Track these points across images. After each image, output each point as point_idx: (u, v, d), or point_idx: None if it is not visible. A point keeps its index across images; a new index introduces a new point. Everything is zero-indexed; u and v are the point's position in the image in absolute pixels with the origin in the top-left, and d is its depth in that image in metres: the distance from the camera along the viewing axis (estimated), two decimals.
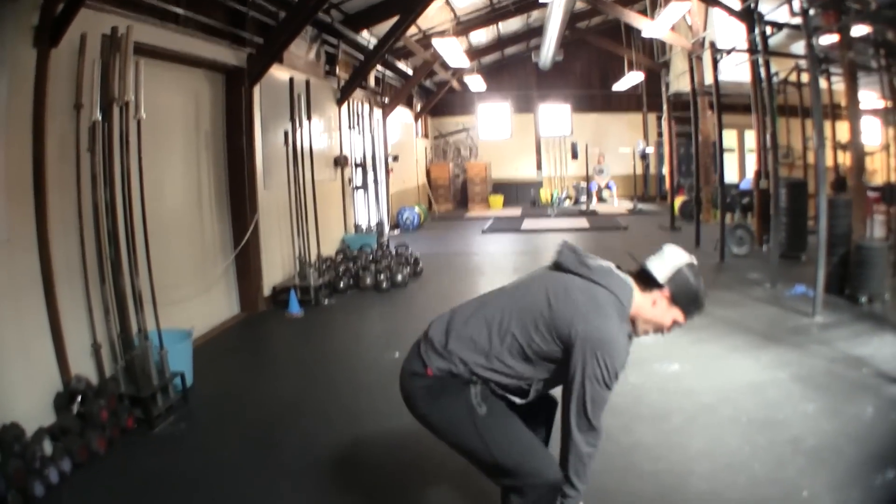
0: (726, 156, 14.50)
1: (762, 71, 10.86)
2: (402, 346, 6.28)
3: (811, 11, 7.82)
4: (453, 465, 3.84)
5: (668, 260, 2.86)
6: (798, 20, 8.05)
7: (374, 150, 14.47)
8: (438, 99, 21.37)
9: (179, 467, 4.37)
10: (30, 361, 4.50)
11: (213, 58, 7.35)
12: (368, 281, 9.64)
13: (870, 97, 11.20)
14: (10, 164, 4.45)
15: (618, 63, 20.81)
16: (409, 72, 16.12)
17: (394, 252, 11.45)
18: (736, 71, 11.90)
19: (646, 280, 2.87)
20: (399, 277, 9.86)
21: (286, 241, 8.84)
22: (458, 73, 18.61)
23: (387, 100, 15.68)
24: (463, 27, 15.65)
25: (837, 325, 7.19)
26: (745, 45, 10.91)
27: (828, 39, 9.62)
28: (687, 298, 2.85)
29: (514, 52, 22.71)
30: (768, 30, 10.30)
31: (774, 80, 11.41)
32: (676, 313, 2.89)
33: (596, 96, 23.47)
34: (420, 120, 21.09)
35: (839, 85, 10.70)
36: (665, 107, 18.37)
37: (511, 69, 23.65)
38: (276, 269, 8.80)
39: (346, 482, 4.25)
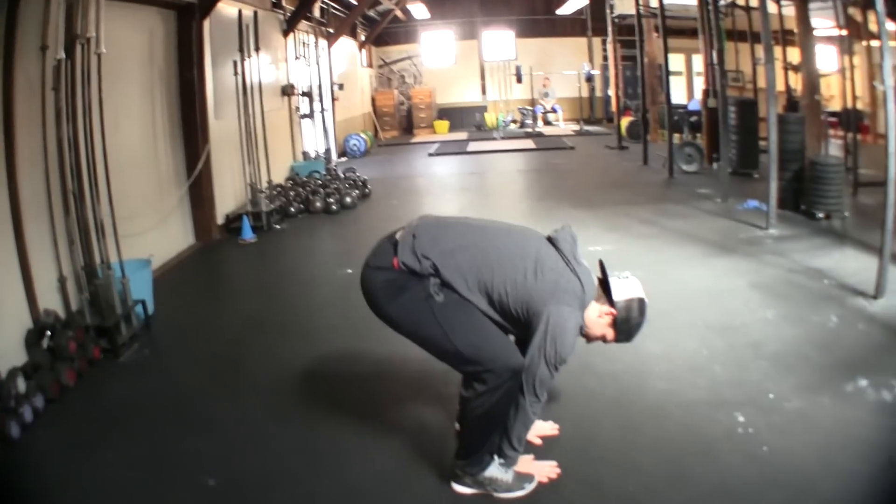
0: (673, 79, 14.26)
1: None
2: (353, 263, 6.64)
3: None
4: (409, 372, 3.97)
5: (629, 288, 2.97)
6: None
7: (320, 79, 14.62)
8: (382, 28, 20.94)
9: (147, 393, 4.31)
10: (1, 301, 4.42)
11: None
12: (318, 204, 9.75)
13: (824, 24, 10.93)
14: None
15: None
16: (354, 1, 15.89)
17: (342, 176, 11.54)
18: None
19: (604, 290, 2.99)
20: (348, 200, 10.00)
21: (237, 169, 8.98)
22: (401, 1, 18.30)
23: (332, 30, 15.59)
24: None
25: (793, 238, 6.90)
26: None
27: None
28: (625, 327, 2.98)
29: None
30: None
31: (722, 1, 11.12)
32: (609, 333, 3.01)
33: (540, 22, 22.92)
34: (364, 49, 20.78)
35: (790, 9, 10.36)
36: (610, 29, 17.92)
37: None
38: (228, 197, 8.91)
39: (308, 394, 4.23)
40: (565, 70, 21.94)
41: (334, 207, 9.72)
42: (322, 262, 7.46)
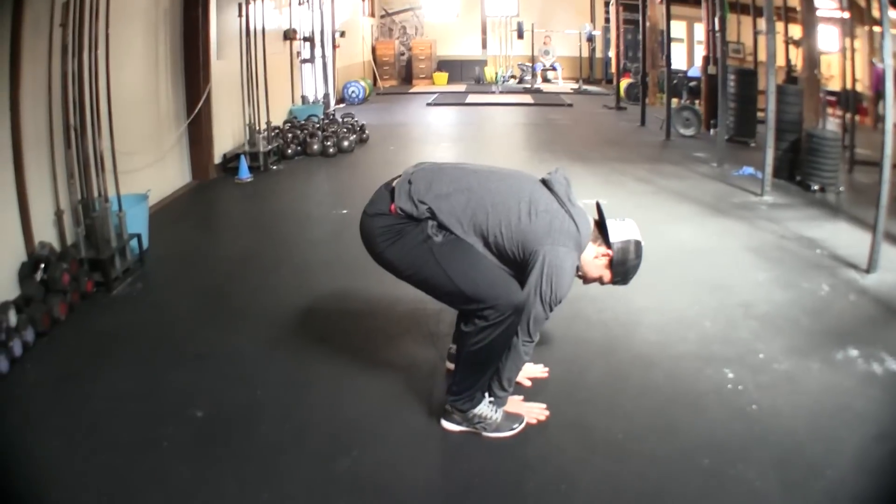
0: (675, 46, 14.21)
1: None
2: (349, 203, 6.90)
3: None
4: (401, 310, 3.96)
5: (625, 229, 2.98)
6: None
7: (322, 26, 14.63)
8: None
9: (138, 325, 4.26)
10: None
11: None
12: (316, 147, 9.71)
13: (827, 5, 10.83)
14: None
15: None
16: None
17: (340, 121, 11.47)
18: None
19: (601, 232, 2.99)
20: (346, 143, 9.97)
21: (237, 110, 8.90)
22: None
23: None
24: None
25: (787, 206, 6.87)
26: None
27: None
28: (622, 269, 2.99)
29: None
30: None
31: None
32: (606, 274, 3.03)
33: None
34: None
35: None
36: None
37: None
38: (226, 137, 8.86)
39: (299, 329, 4.21)
40: (567, 29, 21.76)
41: (331, 151, 9.69)
42: (317, 203, 7.42)
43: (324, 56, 14.81)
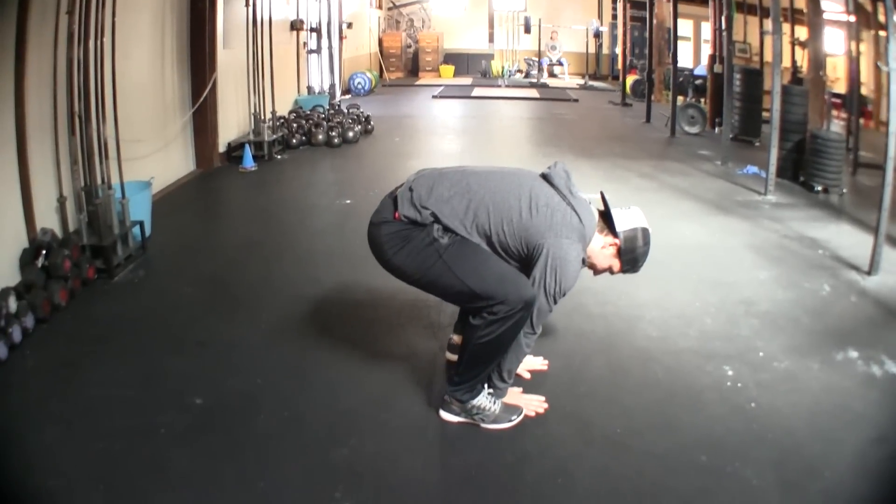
0: (681, 44, 14.18)
1: None
2: (353, 194, 7.01)
3: None
4: (402, 300, 3.92)
5: (631, 217, 3.00)
6: None
7: (329, 17, 14.66)
8: None
9: (139, 312, 4.25)
10: None
11: None
12: (320, 137, 9.68)
13: (834, 8, 10.80)
14: None
15: None
16: None
17: (346, 112, 11.41)
18: None
19: (606, 223, 3.00)
20: (350, 134, 9.96)
21: (242, 99, 8.93)
22: None
23: None
24: None
25: (790, 206, 6.85)
26: None
27: None
28: (630, 256, 3.00)
29: None
30: None
31: None
32: (615, 264, 3.04)
33: None
34: None
35: None
36: None
37: None
38: (231, 126, 8.84)
39: (301, 317, 4.19)
40: (574, 25, 21.79)
41: (336, 141, 9.66)
42: (321, 192, 7.38)
43: (330, 47, 14.79)
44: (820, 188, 7.30)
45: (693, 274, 4.89)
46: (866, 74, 10.63)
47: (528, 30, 20.83)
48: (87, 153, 4.85)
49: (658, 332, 3.98)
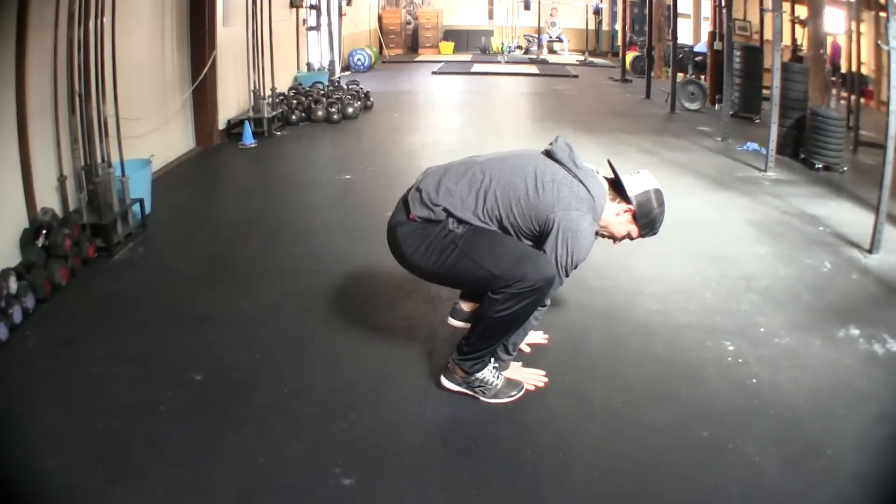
0: (681, 21, 14.09)
1: None
2: (353, 169, 7.06)
3: None
4: (401, 273, 3.69)
5: (641, 181, 3.01)
6: None
7: None
8: None
9: (139, 289, 4.24)
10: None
11: None
12: (320, 113, 9.65)
13: None
14: None
15: None
16: None
17: (345, 88, 11.40)
18: None
19: (617, 190, 3.01)
20: (350, 110, 9.93)
21: (242, 76, 8.92)
22: None
23: None
24: None
25: (791, 183, 6.82)
26: None
27: None
28: (647, 219, 3.01)
29: None
30: None
31: None
32: (633, 229, 3.04)
33: None
34: None
35: None
36: None
37: None
38: (231, 103, 8.81)
39: (300, 292, 4.18)
40: (574, 1, 21.76)
41: (336, 117, 9.63)
42: (321, 168, 7.40)
43: (330, 24, 14.73)
44: (820, 165, 7.26)
45: (693, 249, 4.87)
46: (866, 54, 10.58)
47: (527, 6, 20.80)
48: (87, 132, 4.84)
49: (658, 307, 3.97)
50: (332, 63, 14.60)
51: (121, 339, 3.56)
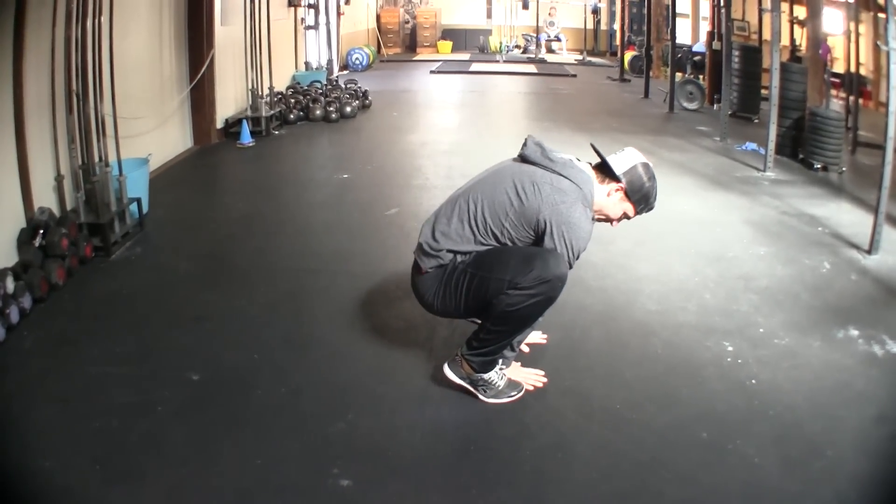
0: (680, 21, 14.09)
1: None
2: (351, 168, 7.06)
3: None
4: (401, 272, 3.85)
5: (627, 157, 3.00)
6: None
7: None
8: None
9: (136, 289, 4.24)
10: None
11: None
12: (318, 112, 9.68)
13: None
14: None
15: None
16: None
17: (343, 87, 11.42)
18: None
19: (604, 172, 3.00)
20: (348, 109, 9.95)
21: (240, 76, 8.91)
22: None
23: None
24: None
25: (790, 183, 6.81)
26: None
27: None
28: (640, 194, 2.98)
29: None
30: None
31: None
32: (628, 207, 3.01)
33: None
34: None
35: None
36: None
37: None
38: (228, 103, 8.82)
39: (298, 290, 4.21)
40: (572, 1, 21.77)
41: (334, 116, 9.64)
42: (319, 167, 7.40)
43: (328, 23, 14.75)
44: (819, 166, 7.25)
45: (692, 248, 4.86)
46: (865, 55, 10.59)
47: (526, 5, 20.85)
48: (84, 131, 4.82)
49: (657, 307, 3.96)
50: (330, 62, 14.60)
51: (118, 338, 3.55)
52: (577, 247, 2.80)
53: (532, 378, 3.13)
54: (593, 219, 2.97)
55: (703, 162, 7.53)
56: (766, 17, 9.73)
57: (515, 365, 3.17)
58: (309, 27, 13.50)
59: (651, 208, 3.08)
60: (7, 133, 4.35)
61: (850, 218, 5.65)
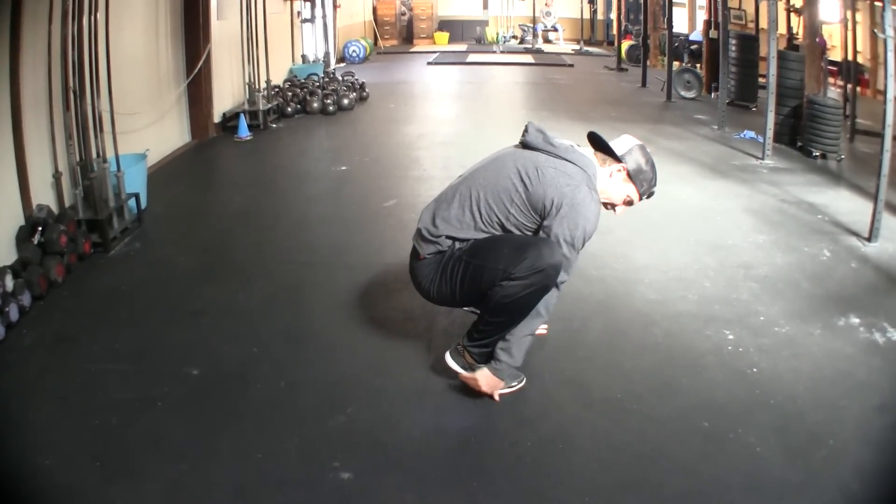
0: (676, 9, 14.08)
1: None
2: (348, 160, 7.05)
3: None
4: (399, 265, 3.85)
5: (623, 142, 3.01)
6: None
7: None
8: None
9: (135, 284, 4.23)
10: None
11: None
12: (315, 105, 9.65)
13: None
14: None
15: None
16: None
17: (340, 79, 11.36)
18: None
19: (605, 153, 3.00)
20: (346, 101, 9.93)
21: (237, 69, 8.91)
22: None
23: None
24: None
25: (788, 171, 6.80)
26: None
27: None
28: (641, 175, 2.98)
29: None
30: None
31: None
32: (631, 189, 3.00)
33: None
34: None
35: None
36: None
37: None
38: (226, 97, 8.81)
39: (296, 283, 4.20)
40: None
41: (331, 109, 9.61)
42: (317, 159, 7.38)
43: (324, 16, 14.68)
44: (818, 154, 7.24)
45: (691, 237, 4.86)
46: (862, 43, 10.57)
47: None
48: (82, 127, 4.82)
49: (657, 296, 3.96)
50: (327, 55, 14.53)
51: (117, 334, 3.54)
52: (586, 227, 2.78)
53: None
54: (599, 203, 2.95)
55: (701, 150, 7.52)
56: (763, 6, 9.69)
57: None
58: (305, 20, 13.40)
59: (653, 192, 3.07)
60: (5, 130, 4.33)
61: (849, 206, 5.64)
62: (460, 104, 10.84)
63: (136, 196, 5.14)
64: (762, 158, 7.10)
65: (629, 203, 3.04)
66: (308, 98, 9.67)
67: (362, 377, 3.14)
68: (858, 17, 10.21)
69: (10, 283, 3.71)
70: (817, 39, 8.69)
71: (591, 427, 2.81)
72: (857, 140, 8.01)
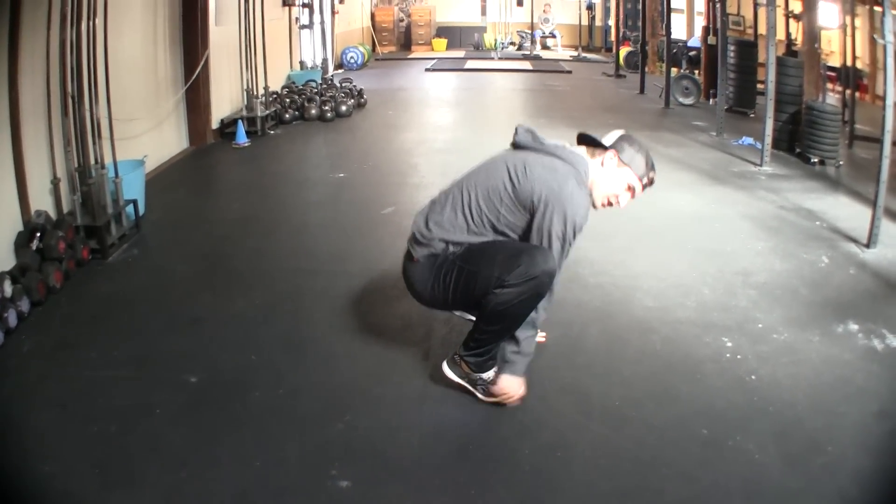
0: (675, 16, 14.12)
1: None
2: (347, 167, 7.06)
3: None
4: (397, 272, 3.69)
5: (609, 135, 3.01)
6: None
7: None
8: None
9: (133, 291, 4.23)
10: None
11: None
12: (314, 112, 9.65)
13: None
14: None
15: None
16: None
17: (338, 86, 11.42)
18: None
19: (592, 145, 3.00)
20: (344, 108, 9.94)
21: (235, 76, 8.93)
22: None
23: None
24: None
25: (787, 178, 6.80)
26: None
27: None
28: (634, 157, 2.94)
29: None
30: None
31: None
32: (627, 173, 2.94)
33: None
34: None
35: None
36: None
37: None
38: (224, 102, 8.83)
39: (295, 290, 4.20)
40: None
41: (329, 115, 9.63)
42: (315, 166, 7.40)
43: (322, 22, 14.74)
44: (816, 160, 7.24)
45: (689, 244, 4.86)
46: (861, 48, 10.59)
47: (520, 2, 20.92)
48: (80, 133, 4.82)
49: (655, 303, 3.96)
50: (325, 61, 14.60)
51: (116, 341, 3.54)
52: (574, 221, 2.75)
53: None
54: (592, 198, 2.95)
55: (700, 157, 7.53)
56: (762, 12, 9.71)
57: None
58: (303, 26, 13.44)
59: (653, 177, 3.02)
60: (3, 136, 4.34)
61: (847, 212, 5.64)
62: (458, 111, 10.87)
63: (135, 202, 5.14)
64: (761, 165, 7.11)
65: (632, 190, 2.98)
66: (306, 104, 9.68)
67: (361, 385, 3.14)
68: (857, 22, 10.24)
69: (8, 288, 3.71)
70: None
71: (591, 434, 2.80)
72: (855, 146, 8.02)
